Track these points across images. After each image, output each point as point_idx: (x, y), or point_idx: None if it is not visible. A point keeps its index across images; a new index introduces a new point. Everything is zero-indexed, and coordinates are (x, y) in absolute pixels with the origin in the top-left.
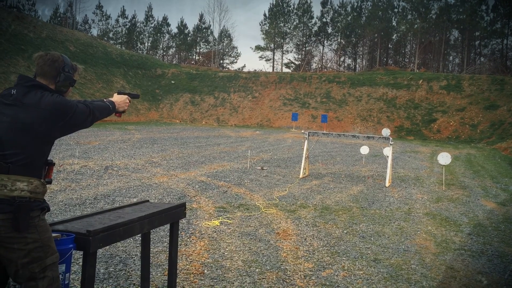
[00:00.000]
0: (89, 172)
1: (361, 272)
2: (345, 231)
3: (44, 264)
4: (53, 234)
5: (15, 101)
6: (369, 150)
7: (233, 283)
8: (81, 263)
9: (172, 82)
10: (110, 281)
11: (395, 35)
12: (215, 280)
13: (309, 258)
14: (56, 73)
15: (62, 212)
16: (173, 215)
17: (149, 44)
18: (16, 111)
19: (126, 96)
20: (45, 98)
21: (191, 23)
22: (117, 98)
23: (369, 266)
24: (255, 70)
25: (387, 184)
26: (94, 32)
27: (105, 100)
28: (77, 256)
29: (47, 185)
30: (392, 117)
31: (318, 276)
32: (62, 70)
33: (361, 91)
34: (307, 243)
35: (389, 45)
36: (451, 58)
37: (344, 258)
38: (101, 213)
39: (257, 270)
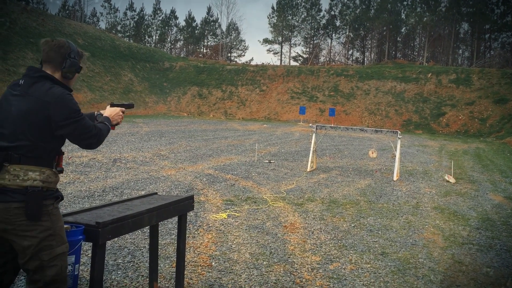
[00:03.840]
0: (98, 164)
1: (369, 265)
2: (352, 225)
3: (54, 253)
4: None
5: (21, 91)
6: (377, 154)
7: (241, 275)
8: (90, 255)
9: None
10: (118, 272)
11: (404, 28)
12: (222, 273)
13: (316, 251)
14: (62, 59)
15: (71, 204)
16: (181, 208)
17: (157, 37)
18: (21, 101)
19: (119, 108)
20: (53, 90)
21: (199, 16)
22: (110, 112)
23: (377, 260)
24: (263, 63)
25: (395, 178)
26: (102, 25)
27: (97, 112)
28: (86, 247)
29: (59, 174)
30: (400, 111)
31: (325, 269)
32: (68, 56)
33: (369, 85)
34: (315, 236)
35: (398, 38)
36: (460, 51)
37: (351, 251)
38: (110, 205)
39: (264, 262)
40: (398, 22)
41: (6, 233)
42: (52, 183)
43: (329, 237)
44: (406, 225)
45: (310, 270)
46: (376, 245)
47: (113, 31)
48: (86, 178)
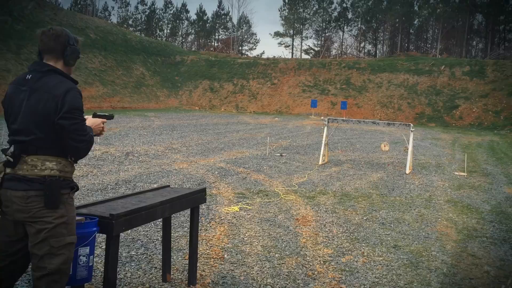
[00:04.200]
0: (110, 158)
1: (381, 258)
2: (364, 218)
3: (64, 241)
4: (77, 218)
5: (30, 86)
6: (389, 147)
7: (253, 267)
8: (103, 247)
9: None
10: (132, 264)
11: (416, 20)
12: (235, 265)
13: (328, 244)
14: (62, 48)
15: (84, 197)
16: (193, 200)
17: (168, 31)
18: (30, 96)
19: (100, 120)
20: (62, 84)
21: (210, 10)
22: (91, 122)
23: (389, 253)
24: (274, 56)
25: (407, 171)
26: (114, 19)
27: None
28: (100, 239)
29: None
30: (413, 104)
31: (337, 262)
32: (68, 43)
33: (382, 78)
34: (327, 229)
35: (411, 30)
36: (474, 43)
37: (363, 244)
38: (123, 197)
39: (276, 255)
40: (410, 14)
41: (24, 220)
42: (68, 173)
43: (341, 230)
44: (418, 218)
45: (322, 262)
46: (389, 238)
47: (125, 25)
48: (99, 171)
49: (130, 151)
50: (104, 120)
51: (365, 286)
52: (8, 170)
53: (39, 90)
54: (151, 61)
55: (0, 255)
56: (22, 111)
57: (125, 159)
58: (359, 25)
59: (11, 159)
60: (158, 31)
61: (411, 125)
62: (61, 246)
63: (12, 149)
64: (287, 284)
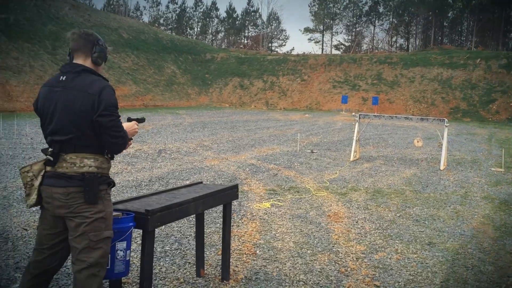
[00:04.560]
0: (144, 155)
1: (415, 255)
2: (398, 214)
3: (102, 235)
4: (114, 213)
5: (64, 86)
6: (423, 143)
7: (285, 263)
8: (139, 242)
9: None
10: (166, 259)
11: (450, 12)
12: (267, 261)
13: (361, 241)
14: (91, 46)
15: (119, 193)
16: (226, 197)
17: (198, 29)
18: (65, 95)
19: (134, 122)
20: (97, 83)
21: (240, 7)
22: (127, 126)
23: (424, 250)
24: (304, 52)
25: (442, 167)
26: (146, 18)
27: None
28: (135, 235)
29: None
30: (447, 98)
31: (370, 259)
32: (97, 43)
33: (414, 72)
34: (359, 226)
35: (445, 23)
36: (511, 35)
37: (397, 241)
38: (157, 193)
39: (308, 251)
40: (444, 6)
41: (64, 216)
42: (105, 169)
43: (373, 226)
44: (454, 215)
45: (355, 259)
46: (423, 235)
47: (156, 24)
48: (133, 169)
49: (163, 149)
50: (137, 123)
51: (400, 283)
52: (48, 168)
53: (74, 89)
54: (182, 60)
55: (40, 248)
56: (58, 111)
57: (158, 156)
58: (391, 19)
59: (51, 158)
60: (188, 30)
61: (446, 120)
62: (99, 240)
63: (51, 148)
64: (320, 281)
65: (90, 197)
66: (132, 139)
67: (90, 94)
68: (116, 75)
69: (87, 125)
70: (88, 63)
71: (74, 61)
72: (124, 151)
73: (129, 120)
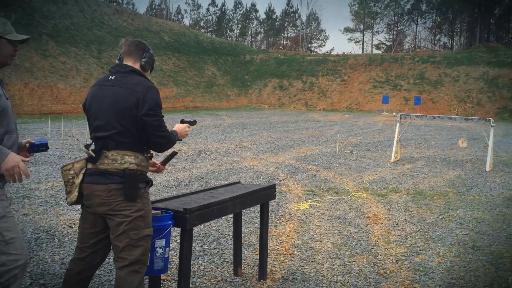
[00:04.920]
0: (184, 156)
1: (458, 259)
2: (440, 217)
3: (142, 233)
4: (153, 211)
5: (112, 84)
6: (467, 144)
7: (323, 264)
8: (178, 240)
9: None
10: (205, 258)
11: (497, 8)
12: (305, 261)
13: (401, 243)
14: (142, 52)
15: (160, 192)
16: (263, 196)
17: (238, 31)
18: (112, 91)
19: (186, 124)
20: (143, 83)
21: (279, 8)
22: (178, 128)
23: (467, 253)
24: (344, 52)
25: (487, 169)
26: (186, 21)
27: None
28: (174, 234)
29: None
30: (494, 98)
31: (411, 261)
32: (147, 51)
33: (459, 71)
34: (399, 228)
35: (491, 20)
36: None
37: (439, 244)
38: (196, 193)
39: (347, 253)
40: (491, 2)
41: (104, 213)
42: (145, 167)
43: (414, 228)
44: (500, 218)
45: (394, 261)
46: (467, 238)
47: (197, 27)
48: (173, 169)
49: (202, 149)
50: (189, 125)
51: (441, 287)
52: (89, 166)
53: (120, 87)
54: (222, 61)
55: (82, 247)
56: (104, 108)
57: (197, 157)
58: (434, 17)
59: (93, 155)
60: (228, 32)
61: (492, 120)
62: (140, 238)
63: (93, 146)
64: (358, 282)
65: (130, 194)
66: (181, 139)
67: (136, 92)
68: (158, 78)
69: (131, 122)
70: (136, 67)
71: (124, 62)
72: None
73: (182, 122)
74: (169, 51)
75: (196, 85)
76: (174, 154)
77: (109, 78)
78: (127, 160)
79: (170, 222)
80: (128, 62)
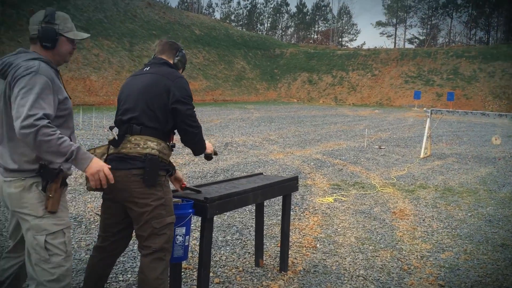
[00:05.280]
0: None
1: (486, 257)
2: (469, 214)
3: (165, 222)
4: (174, 199)
5: (146, 72)
6: (501, 141)
7: (345, 258)
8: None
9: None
10: (227, 248)
11: None
12: (327, 254)
13: (427, 239)
14: (175, 51)
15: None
16: (285, 188)
17: (268, 24)
18: (145, 78)
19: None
20: (176, 73)
21: (310, 2)
22: (209, 144)
23: (495, 251)
24: (375, 47)
25: None
26: (217, 15)
27: None
28: (197, 224)
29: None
30: None
31: (436, 258)
32: (180, 50)
33: (495, 66)
34: (426, 224)
35: None
36: None
37: (466, 241)
38: (217, 183)
39: (370, 247)
40: None
41: (125, 200)
42: (166, 155)
43: (442, 225)
44: None
45: (419, 257)
46: (496, 236)
47: (227, 21)
48: (200, 160)
49: (229, 142)
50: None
51: (466, 284)
52: (111, 151)
53: (153, 73)
54: (252, 55)
55: (104, 236)
56: (136, 92)
57: (224, 149)
58: (470, 11)
59: (117, 137)
60: (258, 25)
61: None
62: (163, 227)
63: (117, 129)
64: (381, 277)
65: (150, 179)
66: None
67: (168, 79)
68: (188, 71)
69: (159, 108)
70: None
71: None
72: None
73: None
74: (200, 45)
75: (226, 78)
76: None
77: (144, 70)
78: (149, 145)
79: (190, 210)
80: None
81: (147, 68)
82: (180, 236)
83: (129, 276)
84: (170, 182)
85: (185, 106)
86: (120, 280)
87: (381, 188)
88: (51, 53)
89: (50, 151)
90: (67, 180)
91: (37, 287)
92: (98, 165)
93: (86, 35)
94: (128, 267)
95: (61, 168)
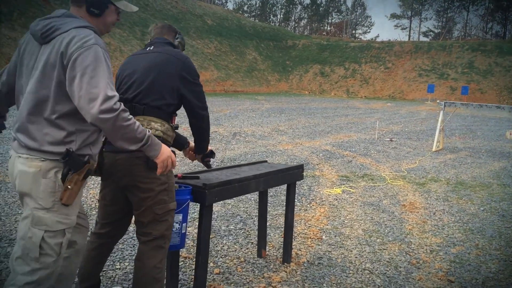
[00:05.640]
0: (219, 137)
1: (498, 252)
2: (481, 208)
3: (167, 208)
4: None
5: (152, 51)
6: None
7: (352, 251)
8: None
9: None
10: (230, 238)
11: None
12: (332, 246)
13: (437, 233)
14: (174, 34)
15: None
16: (289, 176)
17: (281, 16)
18: (151, 56)
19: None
20: (183, 54)
21: None
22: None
23: (509, 247)
24: (389, 39)
25: None
26: (230, 6)
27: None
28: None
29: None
30: None
31: (446, 252)
32: (178, 33)
33: (511, 60)
34: (436, 218)
35: None
36: None
37: (478, 236)
38: (219, 169)
39: (378, 240)
40: None
41: (127, 185)
42: (169, 137)
43: (453, 219)
44: None
45: (428, 252)
46: (509, 231)
47: (240, 11)
48: None
49: (238, 132)
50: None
51: (477, 280)
52: None
53: (160, 52)
54: (264, 46)
55: (103, 223)
56: (140, 70)
57: (232, 138)
58: (487, 4)
59: None
60: (271, 17)
61: None
62: (165, 213)
63: None
64: (388, 271)
65: (154, 162)
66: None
67: (176, 58)
68: (199, 61)
69: (166, 87)
70: None
71: None
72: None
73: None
74: (211, 35)
75: (237, 69)
76: (212, 154)
77: (147, 49)
78: (153, 126)
79: (188, 197)
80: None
81: (151, 48)
82: (177, 223)
83: (126, 264)
84: (185, 156)
85: (198, 87)
86: (117, 268)
87: (391, 180)
88: (96, 22)
89: (127, 137)
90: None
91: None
92: (167, 151)
93: (135, 8)
94: (127, 255)
95: (89, 157)
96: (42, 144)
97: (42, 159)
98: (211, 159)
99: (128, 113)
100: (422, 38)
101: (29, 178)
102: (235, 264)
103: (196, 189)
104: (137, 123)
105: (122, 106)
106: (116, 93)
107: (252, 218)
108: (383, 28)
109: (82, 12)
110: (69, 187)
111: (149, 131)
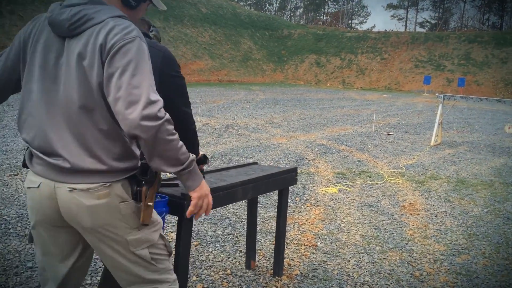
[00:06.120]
0: (210, 130)
1: (507, 262)
2: (485, 210)
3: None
4: None
5: None
6: None
7: (349, 260)
8: (195, 227)
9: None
10: (216, 245)
11: None
12: (328, 256)
13: (440, 239)
14: (148, 26)
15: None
16: (282, 181)
17: (277, 4)
18: None
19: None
20: (162, 46)
21: None
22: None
23: None
24: (386, 30)
25: None
26: None
27: None
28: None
29: None
30: None
31: (451, 262)
32: (153, 26)
33: (507, 52)
34: (438, 221)
35: None
36: None
37: (484, 242)
38: (203, 174)
39: (377, 248)
40: None
41: None
42: None
43: (456, 222)
44: None
45: (432, 261)
46: None
47: (235, 0)
48: None
49: (230, 124)
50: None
51: None
52: None
53: None
54: (259, 35)
55: None
56: None
57: (224, 131)
58: None
59: None
60: (267, 5)
61: None
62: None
63: None
64: (389, 285)
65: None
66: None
67: (158, 50)
68: (193, 50)
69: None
70: None
71: None
72: None
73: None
74: (206, 23)
75: (232, 58)
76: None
77: None
78: None
79: (164, 209)
80: None
81: None
82: None
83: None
84: None
85: (181, 81)
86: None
87: (389, 178)
88: (128, 14)
89: (167, 155)
90: None
91: None
92: (207, 187)
93: (164, 7)
94: (99, 267)
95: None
96: (105, 163)
97: (108, 183)
98: (205, 166)
99: (172, 126)
100: (419, 29)
101: (103, 210)
102: (220, 277)
103: (173, 199)
104: (181, 142)
105: (168, 116)
106: (160, 98)
107: (241, 222)
108: (379, 19)
109: (114, 0)
110: (149, 204)
111: (192, 155)
